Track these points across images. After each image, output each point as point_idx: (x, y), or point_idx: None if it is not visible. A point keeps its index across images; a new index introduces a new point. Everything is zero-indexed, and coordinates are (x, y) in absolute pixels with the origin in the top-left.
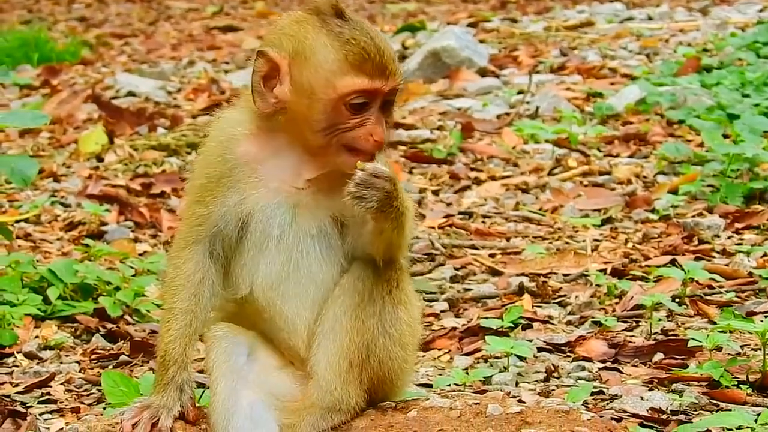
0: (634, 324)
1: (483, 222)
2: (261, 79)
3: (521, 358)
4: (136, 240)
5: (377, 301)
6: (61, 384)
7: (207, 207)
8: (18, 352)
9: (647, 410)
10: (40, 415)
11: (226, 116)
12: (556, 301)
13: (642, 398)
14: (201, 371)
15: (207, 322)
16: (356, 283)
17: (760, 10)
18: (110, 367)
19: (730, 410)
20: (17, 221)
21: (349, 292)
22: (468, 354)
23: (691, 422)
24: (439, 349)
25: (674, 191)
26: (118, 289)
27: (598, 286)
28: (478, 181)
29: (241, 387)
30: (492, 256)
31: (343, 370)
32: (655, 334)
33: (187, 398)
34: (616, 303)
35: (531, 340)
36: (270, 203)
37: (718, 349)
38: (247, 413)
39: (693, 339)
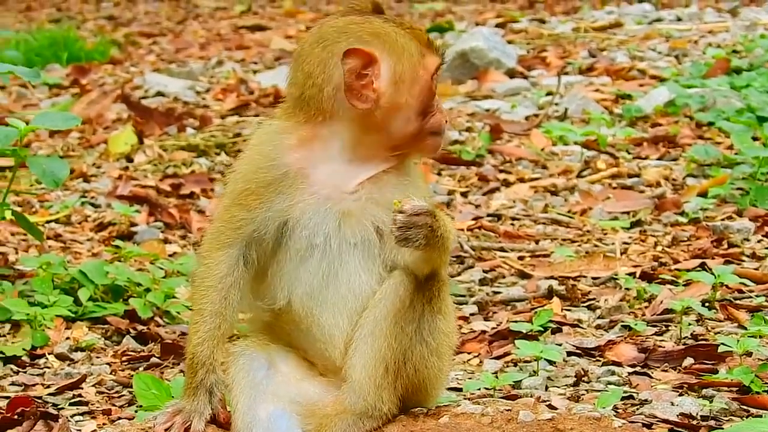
0: (664, 328)
1: (512, 224)
2: (354, 77)
3: (551, 362)
4: (165, 241)
5: (417, 308)
6: (92, 386)
7: (250, 211)
8: (49, 354)
9: (677, 416)
10: (72, 416)
11: (275, 123)
12: (585, 304)
13: (672, 404)
14: None
15: (235, 325)
16: (398, 289)
17: None
18: (141, 369)
19: (760, 416)
20: (48, 222)
21: (390, 298)
22: (497, 358)
23: (722, 428)
24: (469, 353)
25: (703, 194)
26: (148, 290)
27: (628, 289)
28: (506, 183)
29: (260, 400)
30: (521, 258)
31: (379, 375)
32: (684, 338)
33: (216, 401)
34: (646, 307)
35: (560, 344)
36: (319, 210)
37: (749, 354)
38: (266, 425)
39: (723, 344)
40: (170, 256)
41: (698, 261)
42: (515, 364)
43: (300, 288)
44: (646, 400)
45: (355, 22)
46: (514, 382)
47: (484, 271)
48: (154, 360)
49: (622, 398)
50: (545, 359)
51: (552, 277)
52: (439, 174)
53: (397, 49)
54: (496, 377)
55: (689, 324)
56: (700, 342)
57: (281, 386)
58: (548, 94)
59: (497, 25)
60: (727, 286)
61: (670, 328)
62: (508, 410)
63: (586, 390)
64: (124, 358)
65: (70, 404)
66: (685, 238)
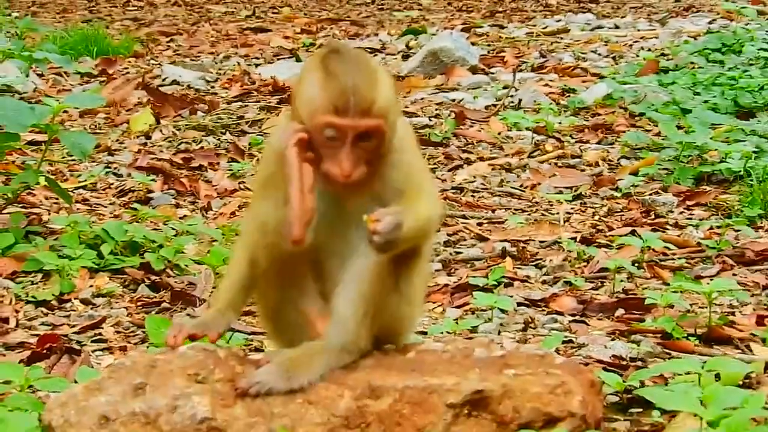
0: (600, 284)
1: (472, 196)
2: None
3: (503, 311)
4: (177, 206)
5: (400, 261)
6: (111, 326)
7: (268, 200)
8: (75, 299)
9: (610, 357)
10: (93, 351)
11: (283, 121)
12: (533, 263)
13: (605, 347)
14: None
15: None
16: None
17: (710, 22)
18: (153, 312)
19: (680, 358)
20: (76, 188)
21: None
22: (458, 307)
23: (647, 368)
24: (434, 303)
25: (635, 173)
26: (161, 246)
27: (569, 251)
28: (468, 162)
29: None
30: (479, 224)
31: (360, 314)
32: (617, 293)
33: (219, 323)
34: (585, 266)
35: (512, 296)
36: (318, 190)
37: (671, 306)
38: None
39: (649, 297)
40: (181, 218)
41: (629, 228)
42: (473, 312)
43: (312, 236)
44: (583, 344)
45: (311, 56)
46: (471, 327)
47: (448, 235)
48: (164, 305)
49: (563, 342)
50: (498, 308)
51: (505, 240)
52: None
53: (299, 88)
54: (456, 323)
55: (621, 280)
56: (630, 296)
57: None
58: (505, 87)
59: (463, 30)
60: (653, 250)
61: (604, 283)
62: (465, 348)
63: (532, 335)
64: (139, 304)
65: (92, 341)
66: (619, 210)
